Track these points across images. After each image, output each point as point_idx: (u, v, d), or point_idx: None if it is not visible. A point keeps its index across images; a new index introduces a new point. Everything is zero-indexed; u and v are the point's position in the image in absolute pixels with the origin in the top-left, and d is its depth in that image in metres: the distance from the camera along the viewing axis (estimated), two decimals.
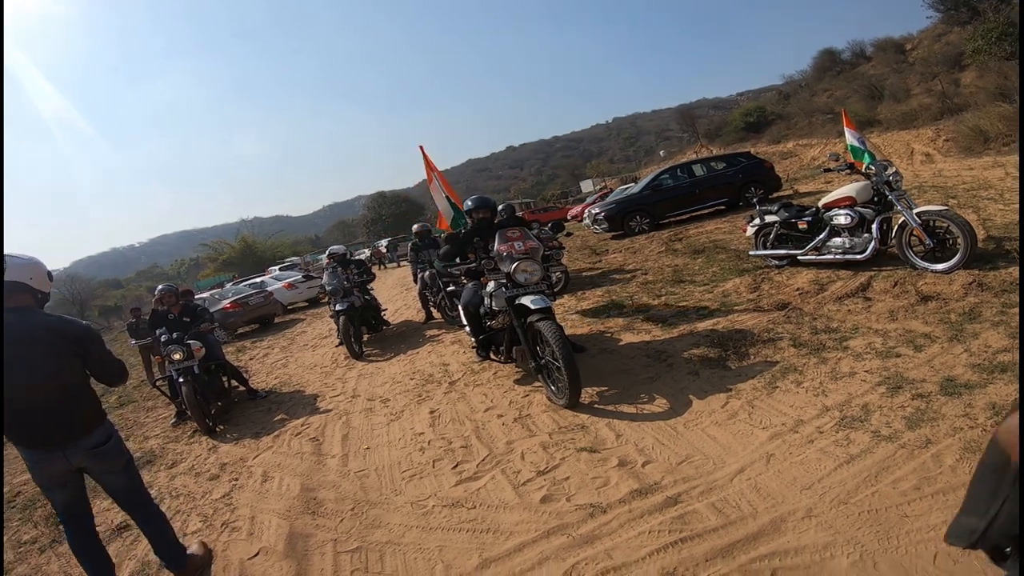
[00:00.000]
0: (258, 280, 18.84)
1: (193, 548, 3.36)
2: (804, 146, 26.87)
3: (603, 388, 4.40)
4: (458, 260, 5.01)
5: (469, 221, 5.36)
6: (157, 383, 6.87)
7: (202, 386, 6.09)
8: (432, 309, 9.00)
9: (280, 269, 27.46)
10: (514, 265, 4.41)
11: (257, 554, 3.27)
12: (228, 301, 13.46)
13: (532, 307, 4.23)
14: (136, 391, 9.20)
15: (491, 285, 4.70)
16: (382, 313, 9.17)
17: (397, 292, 14.49)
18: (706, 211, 13.80)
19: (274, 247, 52.58)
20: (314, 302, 16.96)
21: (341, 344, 8.21)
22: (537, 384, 4.68)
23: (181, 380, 5.91)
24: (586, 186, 48.90)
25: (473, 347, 5.32)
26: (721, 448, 3.19)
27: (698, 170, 14.36)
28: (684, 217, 13.78)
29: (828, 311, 4.94)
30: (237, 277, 33.44)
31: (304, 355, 9.08)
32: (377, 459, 4.18)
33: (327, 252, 9.19)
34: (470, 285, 5.15)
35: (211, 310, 12.76)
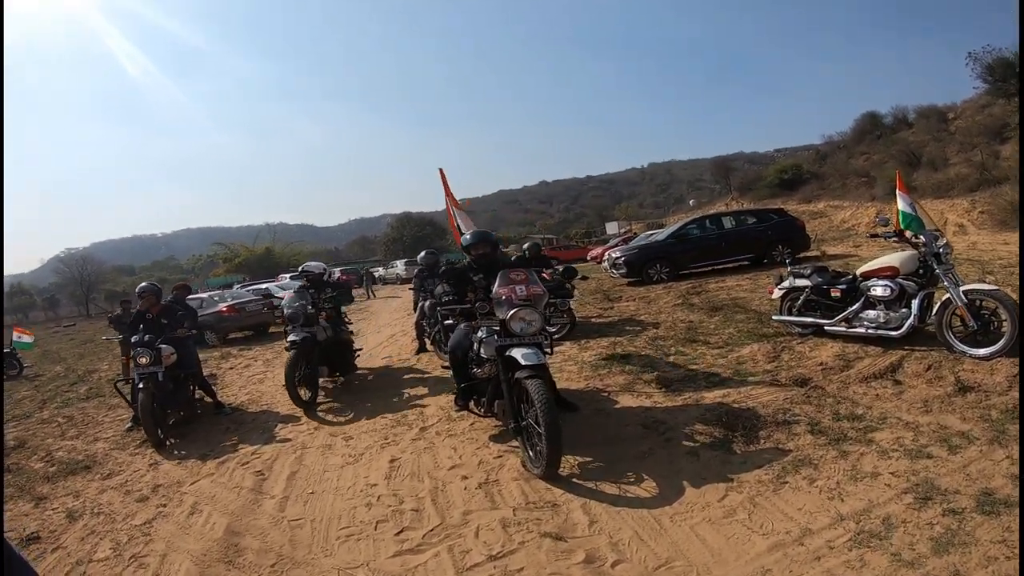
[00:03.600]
0: (264, 286, 18.52)
1: None
2: (835, 207, 26.30)
3: (587, 459, 3.84)
4: (455, 298, 4.45)
5: (468, 257, 4.86)
6: (117, 384, 6.41)
7: (164, 394, 5.68)
8: (426, 340, 8.50)
9: (291, 277, 27.00)
10: (511, 312, 3.92)
11: None
12: (225, 305, 13.08)
13: (523, 362, 3.71)
14: (107, 385, 8.74)
15: (483, 331, 4.16)
16: (355, 354, 7.42)
17: (397, 317, 14.02)
18: (729, 265, 13.27)
19: (293, 254, 52.56)
20: None
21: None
22: (514, 443, 4.14)
23: (140, 386, 5.49)
24: (611, 228, 48.37)
25: (454, 393, 4.77)
26: (710, 554, 2.66)
27: (727, 222, 14.03)
28: (706, 269, 13.25)
29: (853, 393, 4.35)
30: (248, 280, 33.32)
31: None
32: (318, 508, 3.72)
33: (300, 269, 7.53)
34: (462, 326, 4.57)
35: (208, 312, 12.50)
